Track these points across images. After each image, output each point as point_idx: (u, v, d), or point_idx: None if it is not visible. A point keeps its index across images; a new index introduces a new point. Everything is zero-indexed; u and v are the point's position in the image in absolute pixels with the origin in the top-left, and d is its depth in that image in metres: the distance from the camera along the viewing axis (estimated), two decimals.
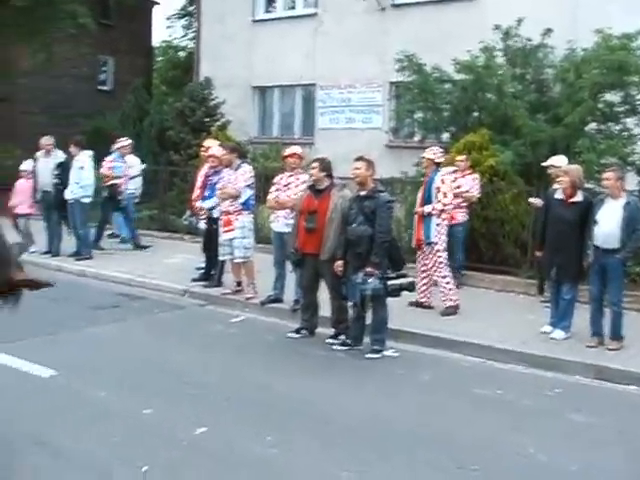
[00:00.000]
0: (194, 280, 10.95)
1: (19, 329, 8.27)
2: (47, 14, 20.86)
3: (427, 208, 9.39)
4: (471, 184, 11.23)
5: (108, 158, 14.04)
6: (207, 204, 10.75)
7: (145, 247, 14.32)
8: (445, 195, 9.38)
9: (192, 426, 5.57)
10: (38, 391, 6.39)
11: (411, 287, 8.29)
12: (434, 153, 9.66)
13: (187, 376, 6.91)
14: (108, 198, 14.01)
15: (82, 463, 4.92)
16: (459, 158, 11.37)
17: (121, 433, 5.43)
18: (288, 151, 9.70)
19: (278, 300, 9.72)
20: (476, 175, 11.44)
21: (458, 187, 10.56)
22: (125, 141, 14.44)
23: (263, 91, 21.19)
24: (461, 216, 10.97)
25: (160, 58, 38.12)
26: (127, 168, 14.31)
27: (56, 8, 20.81)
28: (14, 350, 7.45)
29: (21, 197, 13.64)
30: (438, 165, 9.65)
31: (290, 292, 9.52)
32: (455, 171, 10.86)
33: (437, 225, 9.38)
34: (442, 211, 9.39)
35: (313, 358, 7.82)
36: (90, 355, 7.56)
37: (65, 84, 25.81)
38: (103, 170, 13.80)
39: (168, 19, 37.22)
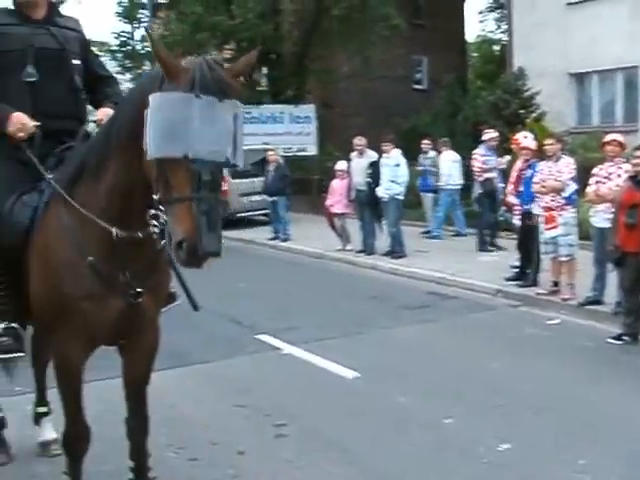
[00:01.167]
0: (508, 279, 10.37)
1: (327, 327, 8.44)
2: (362, 19, 21.50)
3: None
4: None
5: (477, 151, 13.41)
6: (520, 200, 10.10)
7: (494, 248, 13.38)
8: None
9: (495, 441, 5.10)
10: (340, 393, 6.31)
11: None
12: None
13: (495, 383, 6.42)
14: (484, 195, 13.26)
15: (376, 473, 4.69)
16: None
17: (418, 443, 5.12)
18: (607, 138, 8.78)
19: (597, 302, 8.79)
20: None
21: None
22: (492, 133, 13.75)
23: (580, 78, 19.87)
24: None
25: (475, 54, 37.74)
26: (498, 162, 13.35)
27: (370, 12, 21.37)
28: (321, 349, 7.50)
29: (337, 196, 14.06)
30: None
31: (611, 293, 8.57)
32: None
33: None
34: None
35: (634, 369, 6.90)
36: (394, 357, 7.35)
37: (382, 85, 26.41)
38: (476, 165, 13.26)
39: (480, 13, 36.76)
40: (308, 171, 22.82)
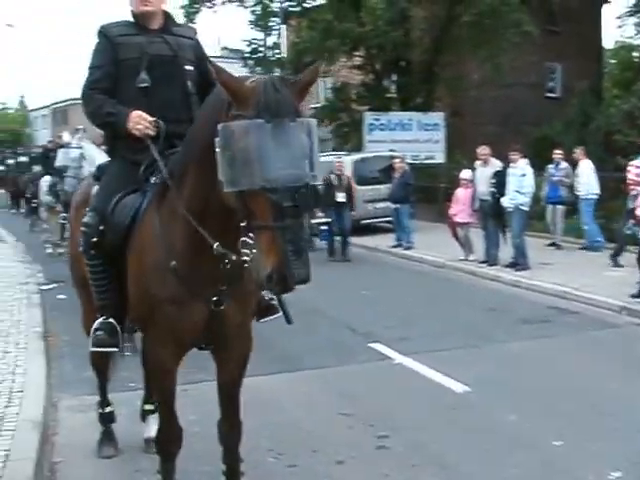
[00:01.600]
0: (633, 296, 9.87)
1: (442, 338, 8.32)
2: (493, 25, 21.13)
3: None
4: None
5: (635, 162, 12.38)
6: None
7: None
8: None
9: (606, 469, 4.83)
10: (448, 407, 6.17)
11: None
12: None
13: (612, 406, 6.09)
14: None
15: None
16: None
17: (524, 464, 4.94)
18: None
19: None
20: None
21: None
22: None
23: None
24: None
25: (612, 61, 36.25)
26: None
27: (501, 18, 20.98)
28: (433, 360, 7.39)
29: (460, 205, 13.84)
30: None
31: None
32: None
33: None
34: None
35: None
36: (508, 372, 7.13)
37: (514, 93, 25.85)
38: (630, 177, 12.23)
39: (618, 18, 35.13)
40: (435, 179, 22.61)
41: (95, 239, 3.78)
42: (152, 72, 3.88)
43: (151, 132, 3.79)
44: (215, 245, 3.29)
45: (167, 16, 4.10)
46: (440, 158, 23.03)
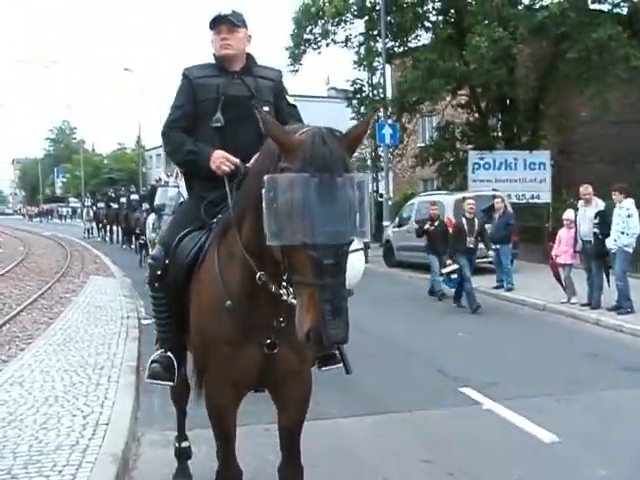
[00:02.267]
0: None
1: (535, 385, 8.05)
2: (600, 61, 20.63)
3: None
4: None
5: None
6: None
7: None
8: None
9: None
10: (534, 457, 5.93)
11: None
12: None
13: None
14: None
15: None
16: None
17: None
18: None
19: None
20: None
21: None
22: None
23: None
24: None
25: None
26: None
27: (609, 54, 20.46)
28: (524, 407, 7.12)
29: (563, 246, 13.46)
30: None
31: None
32: None
33: None
34: None
35: None
36: (602, 423, 6.79)
37: (624, 130, 25.05)
38: None
39: None
40: (541, 219, 22.14)
41: (159, 272, 3.86)
42: (227, 113, 3.98)
43: (228, 170, 3.84)
44: (258, 273, 3.29)
45: (249, 58, 4.20)
46: (546, 198, 22.58)
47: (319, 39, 27.79)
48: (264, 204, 2.91)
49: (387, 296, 15.59)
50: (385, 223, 23.98)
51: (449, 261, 14.39)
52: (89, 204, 45.00)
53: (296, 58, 28.12)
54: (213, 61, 4.21)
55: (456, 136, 26.86)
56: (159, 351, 4.03)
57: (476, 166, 23.77)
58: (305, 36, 27.73)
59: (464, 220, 14.55)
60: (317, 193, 2.78)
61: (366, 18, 26.92)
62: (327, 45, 28.01)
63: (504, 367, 8.99)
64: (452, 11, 25.89)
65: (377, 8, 25.41)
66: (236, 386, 3.63)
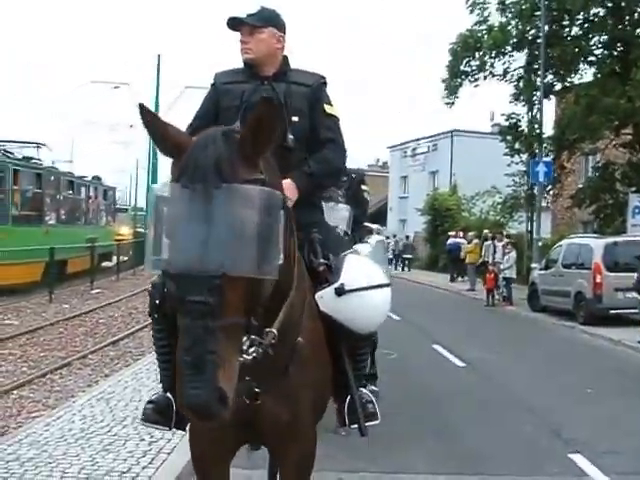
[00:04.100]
0: None
1: None
2: None
3: None
4: None
5: None
6: None
7: None
8: None
9: None
10: None
11: None
12: None
13: None
14: None
15: None
16: None
17: None
18: None
19: None
20: None
21: None
22: None
23: None
24: None
25: None
26: None
27: None
28: None
29: None
30: None
31: None
32: None
33: None
34: None
35: None
36: None
37: None
38: None
39: None
40: None
41: (158, 301, 3.40)
42: None
43: None
44: None
45: (284, 61, 3.71)
46: None
47: (476, 71, 27.08)
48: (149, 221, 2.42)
49: (521, 341, 14.72)
50: (533, 265, 22.76)
51: None
52: None
53: (452, 90, 27.55)
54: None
55: (616, 177, 25.21)
56: (161, 391, 3.56)
57: (637, 210, 22.20)
58: (462, 68, 27.11)
59: None
60: (187, 208, 2.25)
61: (526, 51, 25.96)
62: (485, 78, 27.24)
63: (628, 434, 7.91)
64: (618, 44, 24.42)
65: (538, 41, 24.39)
66: (218, 441, 3.10)
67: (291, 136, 3.49)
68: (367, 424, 3.45)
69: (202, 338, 2.19)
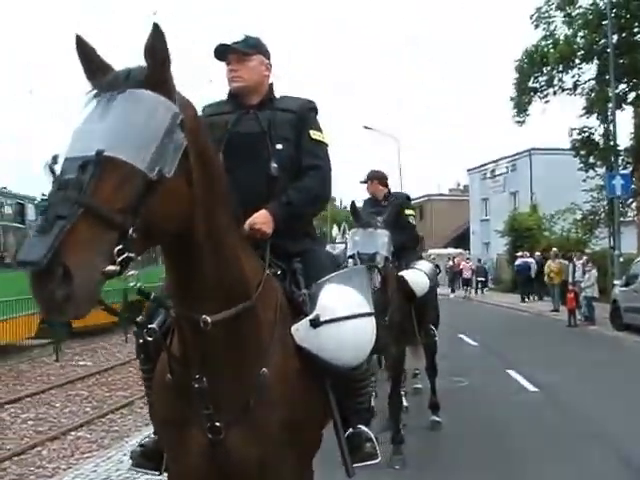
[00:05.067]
0: None
1: None
2: None
3: None
4: None
5: None
6: None
7: None
8: None
9: None
10: None
11: None
12: None
13: None
14: None
15: None
16: None
17: None
18: None
19: None
20: None
21: None
22: None
23: None
24: None
25: None
26: None
27: None
28: None
29: None
30: None
31: None
32: None
33: None
34: None
35: None
36: None
37: None
38: None
39: None
40: None
41: (141, 341, 3.21)
42: (231, 152, 3.30)
43: None
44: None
45: (270, 89, 3.54)
46: None
47: (545, 87, 26.44)
48: None
49: (599, 362, 13.98)
50: (615, 282, 21.83)
51: None
52: None
53: (521, 108, 26.97)
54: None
55: None
56: (152, 433, 3.37)
57: None
58: (530, 84, 26.53)
59: None
60: (91, 112, 2.29)
61: (596, 62, 25.20)
62: (554, 93, 26.57)
63: None
64: None
65: (607, 50, 23.62)
66: (189, 476, 2.86)
67: (275, 164, 3.33)
68: (364, 464, 3.21)
69: (59, 206, 2.03)
